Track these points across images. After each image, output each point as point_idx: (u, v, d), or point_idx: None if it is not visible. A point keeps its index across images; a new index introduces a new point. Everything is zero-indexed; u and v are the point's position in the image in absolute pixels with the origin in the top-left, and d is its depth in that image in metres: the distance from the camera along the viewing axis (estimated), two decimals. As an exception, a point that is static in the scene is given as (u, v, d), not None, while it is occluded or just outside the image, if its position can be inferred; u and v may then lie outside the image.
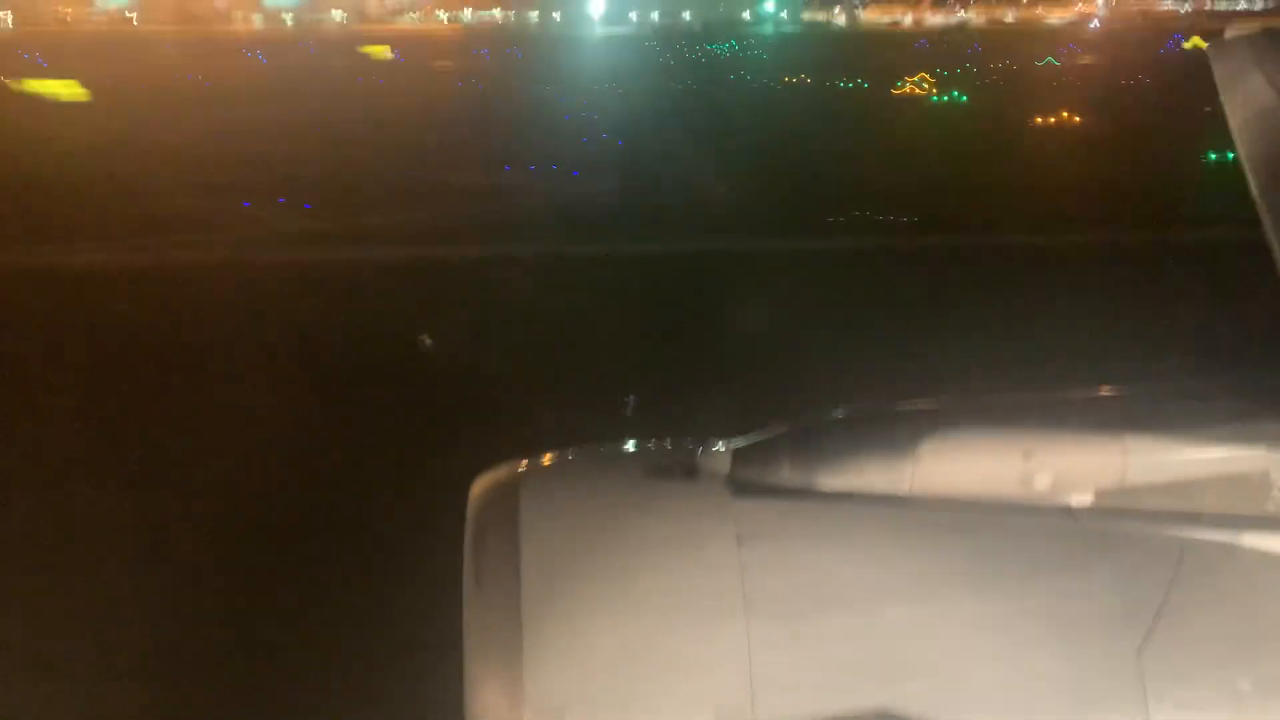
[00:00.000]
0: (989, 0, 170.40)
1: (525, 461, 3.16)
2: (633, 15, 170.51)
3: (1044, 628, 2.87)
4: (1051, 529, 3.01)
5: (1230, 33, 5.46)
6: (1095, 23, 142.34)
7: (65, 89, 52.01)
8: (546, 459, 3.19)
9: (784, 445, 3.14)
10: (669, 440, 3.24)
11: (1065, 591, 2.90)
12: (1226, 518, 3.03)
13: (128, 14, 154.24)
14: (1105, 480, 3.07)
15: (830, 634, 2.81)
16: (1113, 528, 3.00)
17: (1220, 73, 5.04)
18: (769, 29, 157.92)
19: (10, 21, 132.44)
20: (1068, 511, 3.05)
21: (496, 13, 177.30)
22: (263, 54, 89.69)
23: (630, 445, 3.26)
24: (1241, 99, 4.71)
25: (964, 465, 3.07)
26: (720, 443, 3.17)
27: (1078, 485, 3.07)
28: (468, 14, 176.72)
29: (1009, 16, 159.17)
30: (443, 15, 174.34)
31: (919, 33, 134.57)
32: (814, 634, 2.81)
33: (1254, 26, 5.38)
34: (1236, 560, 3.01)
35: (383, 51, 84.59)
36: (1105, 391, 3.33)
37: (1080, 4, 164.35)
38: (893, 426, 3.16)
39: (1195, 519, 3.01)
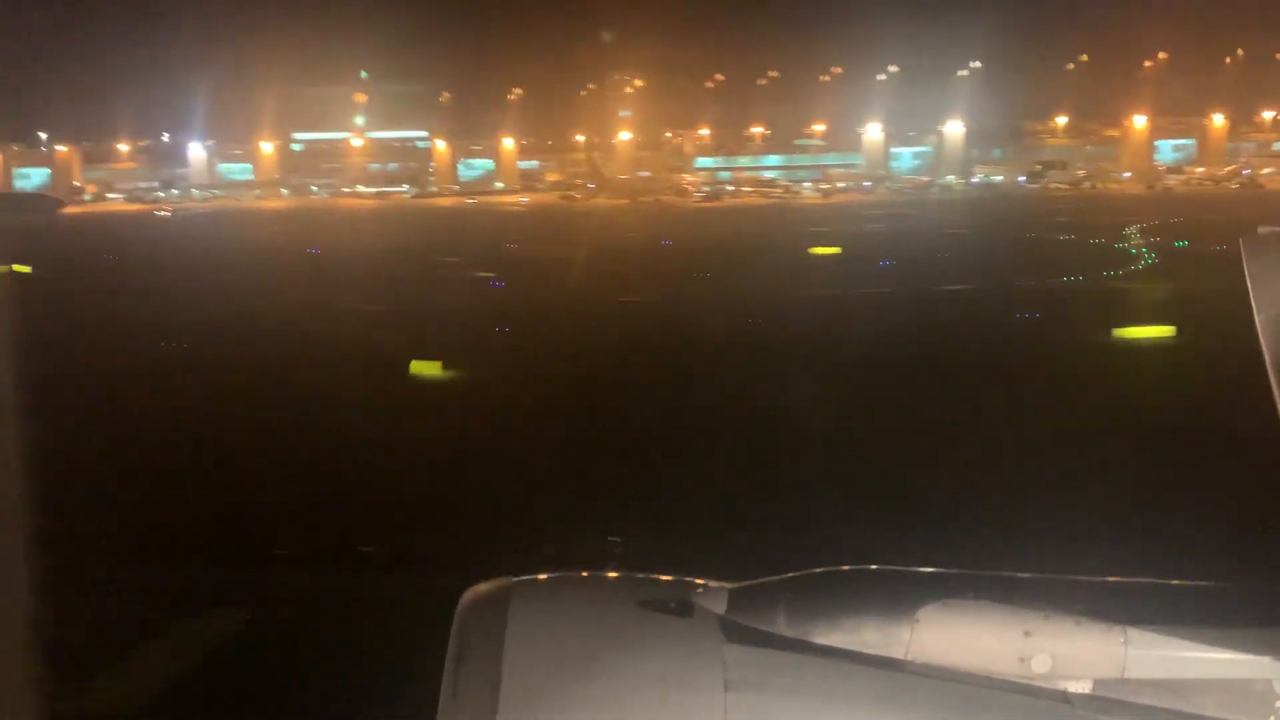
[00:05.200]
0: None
1: (518, 579, 3.13)
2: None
3: None
4: (1050, 715, 2.99)
5: (1264, 229, 5.59)
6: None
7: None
8: (541, 578, 3.18)
9: (783, 593, 3.13)
10: (667, 575, 3.22)
11: None
12: None
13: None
14: (1104, 670, 3.06)
15: None
16: None
17: (1251, 266, 5.06)
18: None
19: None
20: (1065, 698, 3.04)
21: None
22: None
23: (627, 574, 3.24)
24: (1269, 296, 4.80)
25: (963, 635, 3.06)
26: (719, 583, 3.17)
27: (1076, 671, 3.06)
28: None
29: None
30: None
31: None
32: None
33: None
34: None
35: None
36: (1110, 580, 3.34)
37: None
38: (894, 588, 3.17)
39: None
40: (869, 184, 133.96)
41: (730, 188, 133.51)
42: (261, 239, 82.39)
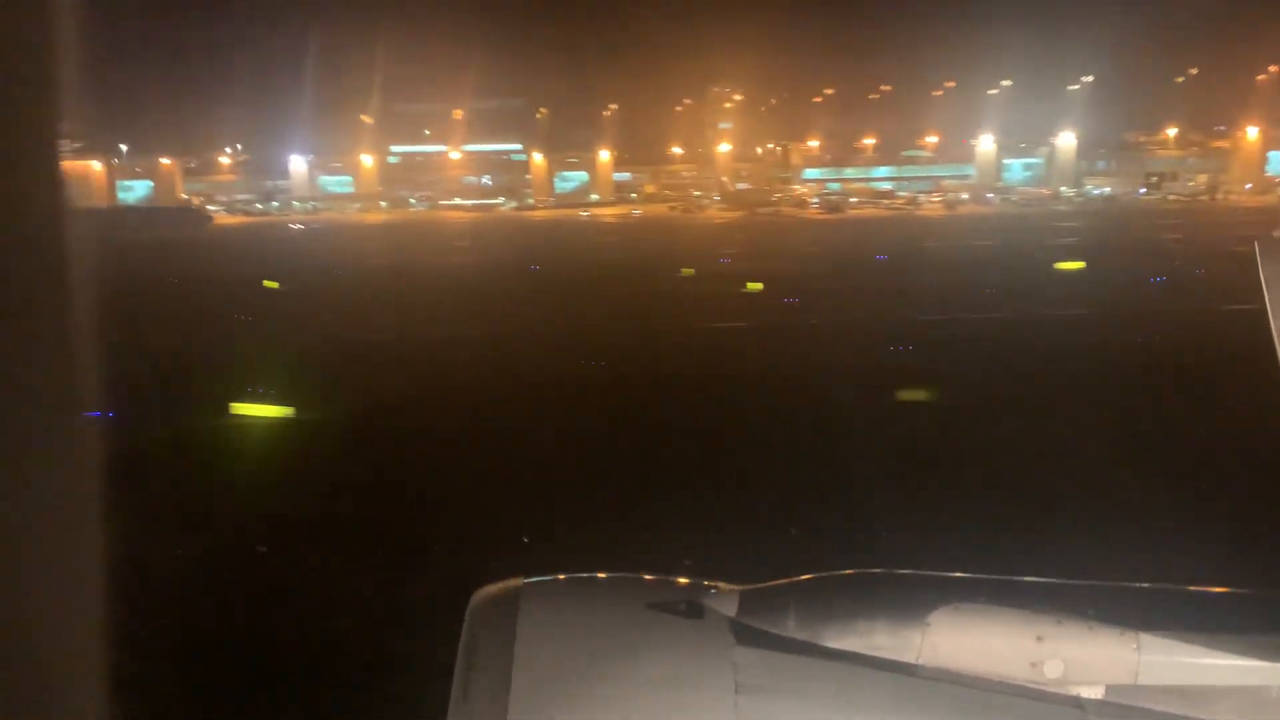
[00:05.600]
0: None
1: (529, 579, 3.07)
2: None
3: None
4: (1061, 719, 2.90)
5: (1278, 232, 5.35)
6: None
7: None
8: (551, 579, 3.13)
9: (793, 596, 3.07)
10: (677, 576, 3.16)
11: None
12: None
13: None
14: (1117, 675, 2.96)
15: None
16: None
17: (1267, 270, 4.92)
18: None
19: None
20: (1078, 704, 2.95)
21: None
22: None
23: (637, 576, 3.18)
24: None
25: (975, 640, 2.99)
26: (729, 585, 3.11)
27: (1089, 676, 2.97)
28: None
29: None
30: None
31: None
32: None
33: None
34: None
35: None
36: (1123, 585, 3.21)
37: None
38: (906, 592, 3.11)
39: None
40: (991, 196, 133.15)
41: (854, 200, 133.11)
42: (445, 253, 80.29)
